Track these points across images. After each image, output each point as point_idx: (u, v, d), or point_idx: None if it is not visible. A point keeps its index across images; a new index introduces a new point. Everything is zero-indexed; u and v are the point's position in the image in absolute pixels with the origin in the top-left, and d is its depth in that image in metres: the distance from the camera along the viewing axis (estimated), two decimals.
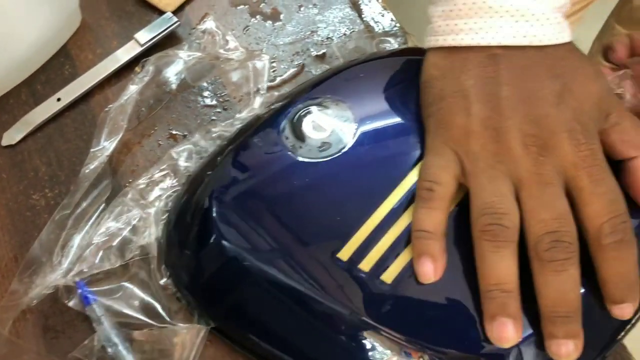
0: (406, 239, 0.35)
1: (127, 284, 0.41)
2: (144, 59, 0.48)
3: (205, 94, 0.49)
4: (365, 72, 0.43)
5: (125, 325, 0.39)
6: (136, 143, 0.47)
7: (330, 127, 0.39)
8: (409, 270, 0.35)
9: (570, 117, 0.34)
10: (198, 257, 0.39)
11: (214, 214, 0.38)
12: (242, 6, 0.54)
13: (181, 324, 0.39)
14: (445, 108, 0.36)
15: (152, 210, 0.42)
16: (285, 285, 0.35)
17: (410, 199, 0.36)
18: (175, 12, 0.53)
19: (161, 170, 0.44)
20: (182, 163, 0.45)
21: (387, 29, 0.52)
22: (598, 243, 0.32)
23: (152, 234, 0.41)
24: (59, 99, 0.48)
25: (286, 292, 0.36)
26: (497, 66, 0.35)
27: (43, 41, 0.49)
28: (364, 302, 0.35)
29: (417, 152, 0.38)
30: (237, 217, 0.38)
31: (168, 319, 0.40)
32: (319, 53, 0.51)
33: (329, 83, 0.43)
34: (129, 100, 0.46)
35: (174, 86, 0.49)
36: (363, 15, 0.53)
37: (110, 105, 0.46)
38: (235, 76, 0.49)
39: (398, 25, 0.53)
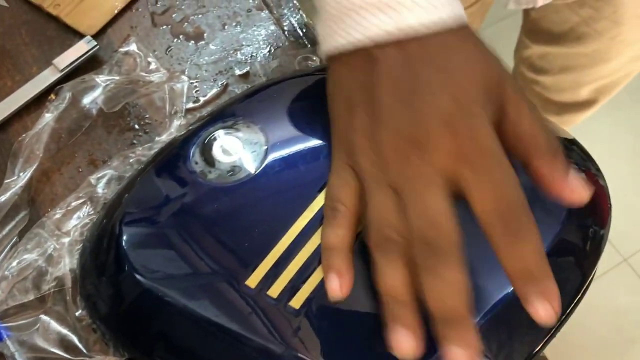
0: (314, 263, 0.35)
1: (43, 317, 0.40)
2: (59, 86, 0.47)
3: (127, 118, 0.49)
4: (279, 93, 0.43)
5: None
6: (56, 171, 0.46)
7: (240, 151, 0.39)
8: (318, 294, 0.34)
9: (448, 106, 0.31)
10: (109, 287, 0.39)
11: (124, 243, 0.37)
12: (164, 26, 0.53)
13: (98, 357, 0.39)
14: (337, 124, 0.36)
15: (66, 241, 0.41)
16: (196, 315, 0.35)
17: (318, 223, 0.36)
18: (97, 35, 0.52)
19: (78, 199, 0.44)
20: (100, 190, 0.44)
21: (311, 45, 0.52)
22: (491, 239, 0.30)
23: (66, 265, 0.41)
24: None
25: (198, 322, 0.35)
26: (374, 68, 0.33)
27: None
28: (274, 329, 0.34)
29: (326, 175, 0.37)
30: (147, 244, 0.38)
31: (85, 351, 0.39)
32: (242, 72, 0.51)
33: (242, 105, 0.42)
34: (44, 128, 0.46)
35: (93, 111, 0.48)
36: (286, 32, 0.53)
37: (24, 135, 0.45)
38: (155, 99, 0.49)
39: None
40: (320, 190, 0.37)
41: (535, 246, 0.29)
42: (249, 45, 0.52)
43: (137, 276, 0.36)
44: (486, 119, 0.31)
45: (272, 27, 0.53)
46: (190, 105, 0.49)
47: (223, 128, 0.40)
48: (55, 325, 0.40)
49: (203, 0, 0.54)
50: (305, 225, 0.36)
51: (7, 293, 0.40)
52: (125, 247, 0.37)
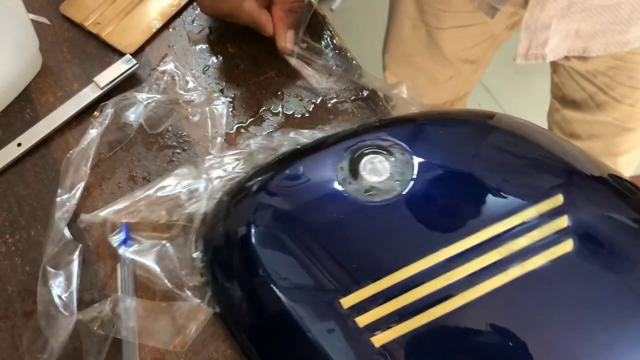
0: (416, 310, 0.34)
1: (165, 243, 0.43)
2: (103, 103, 0.48)
3: (166, 135, 0.50)
4: (445, 132, 0.42)
5: (145, 281, 0.42)
6: (97, 186, 0.48)
7: (385, 175, 0.38)
8: (403, 342, 0.34)
9: None
10: (227, 242, 0.40)
11: (253, 216, 0.39)
12: (201, 46, 0.55)
13: (194, 300, 0.41)
14: None
15: (210, 186, 0.44)
16: (284, 309, 0.36)
17: (434, 273, 0.35)
18: (135, 53, 0.54)
19: (236, 155, 0.46)
20: (256, 155, 0.46)
21: (344, 67, 0.54)
22: None
23: (202, 207, 0.44)
24: (19, 144, 0.49)
25: (283, 315, 0.36)
26: None
27: (4, 86, 0.50)
28: (345, 355, 0.35)
29: (456, 234, 0.36)
30: (271, 225, 0.39)
31: (185, 290, 0.42)
32: (277, 92, 0.52)
33: (403, 131, 0.41)
34: (89, 144, 0.47)
35: (133, 128, 0.49)
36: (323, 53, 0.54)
37: (72, 151, 0.46)
38: (194, 118, 0.50)
39: (355, 62, 0.54)
40: (443, 246, 0.35)
41: None
42: (283, 66, 0.54)
43: (253, 243, 0.38)
44: None
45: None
46: (233, 130, 0.50)
47: (378, 147, 0.39)
48: (171, 255, 0.43)
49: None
50: (417, 272, 0.35)
51: (146, 208, 0.43)
52: (253, 218, 0.39)
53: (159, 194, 0.44)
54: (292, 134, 0.46)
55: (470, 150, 0.40)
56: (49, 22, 0.55)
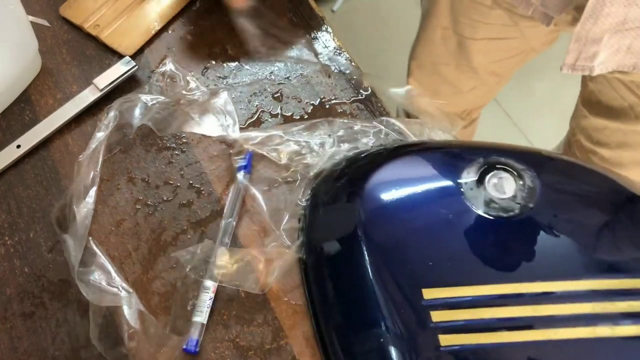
0: (491, 328, 0.34)
1: (279, 180, 0.47)
2: (108, 106, 0.48)
3: (165, 137, 0.50)
4: (579, 180, 0.42)
5: (249, 209, 0.47)
6: (96, 185, 0.48)
7: (510, 194, 0.38)
8: (468, 353, 0.34)
9: None
10: (333, 202, 0.42)
11: (366, 185, 0.40)
12: (201, 47, 0.55)
13: (285, 240, 0.44)
14: None
15: (332, 149, 0.47)
16: (366, 274, 0.37)
17: (520, 301, 0.35)
18: (135, 55, 0.54)
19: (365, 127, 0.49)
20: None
21: (342, 68, 0.54)
22: None
23: (319, 163, 0.46)
24: (18, 146, 0.49)
25: (363, 279, 0.37)
26: None
27: (3, 87, 0.50)
28: (408, 342, 0.35)
29: (559, 273, 0.36)
30: (382, 203, 0.39)
31: (282, 228, 0.45)
32: (275, 94, 0.52)
33: (539, 160, 0.42)
34: (98, 147, 0.47)
35: (134, 130, 0.50)
36: (319, 55, 0.55)
37: (82, 155, 0.47)
38: (200, 116, 0.50)
39: (354, 63, 0.54)
40: (548, 279, 0.35)
41: None
42: (282, 67, 0.54)
43: (358, 208, 0.39)
44: None
45: (305, 50, 0.55)
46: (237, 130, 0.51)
47: (511, 167, 0.40)
48: (279, 194, 0.47)
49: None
50: (512, 293, 0.35)
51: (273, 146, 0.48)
52: (364, 187, 0.40)
53: (290, 137, 0.48)
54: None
55: (597, 200, 0.40)
56: (48, 24, 0.55)
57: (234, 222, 0.45)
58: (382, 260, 0.37)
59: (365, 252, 0.37)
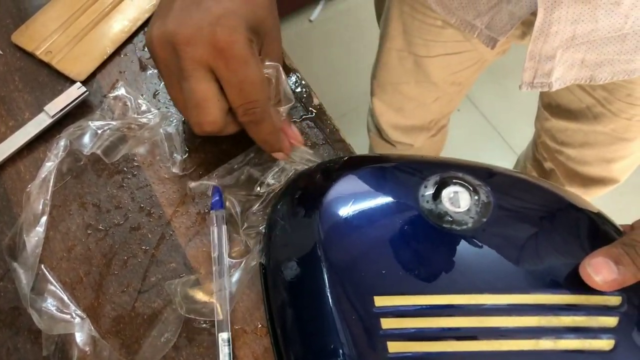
0: (438, 337, 0.35)
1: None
2: (57, 135, 0.49)
3: (116, 161, 0.51)
4: (530, 195, 0.42)
5: None
6: (47, 214, 0.48)
7: (464, 209, 0.40)
8: None
9: (218, 14, 0.39)
10: (292, 219, 0.43)
11: (322, 205, 0.41)
12: (151, 70, 0.55)
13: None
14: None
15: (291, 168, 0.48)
16: (321, 280, 0.38)
17: (467, 311, 0.36)
18: (87, 80, 0.55)
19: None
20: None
21: (293, 87, 0.54)
22: (240, 120, 0.42)
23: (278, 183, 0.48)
24: None
25: (318, 286, 0.38)
26: None
27: None
28: (357, 348, 0.35)
29: (508, 286, 0.37)
30: (339, 217, 0.40)
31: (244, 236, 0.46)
32: None
33: (494, 178, 0.43)
34: (47, 177, 0.48)
35: (85, 156, 0.50)
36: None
37: (30, 185, 0.47)
38: (149, 141, 0.51)
39: (304, 81, 0.55)
40: (496, 292, 0.36)
41: (269, 126, 0.43)
42: None
43: (316, 217, 0.40)
44: (244, 34, 0.39)
45: None
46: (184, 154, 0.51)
47: (467, 182, 0.41)
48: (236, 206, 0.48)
49: None
50: (460, 304, 0.36)
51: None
52: (322, 197, 0.41)
53: (252, 169, 0.49)
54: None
55: (549, 218, 0.41)
56: (0, 52, 0.56)
57: (226, 267, 0.45)
58: (337, 269, 0.38)
59: (323, 264, 0.38)
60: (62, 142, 0.49)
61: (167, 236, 0.47)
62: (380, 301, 0.36)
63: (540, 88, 0.61)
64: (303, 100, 0.54)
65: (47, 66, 0.55)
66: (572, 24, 0.53)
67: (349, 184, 0.42)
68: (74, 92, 0.52)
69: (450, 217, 0.39)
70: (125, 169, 0.50)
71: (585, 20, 0.53)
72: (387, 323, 0.35)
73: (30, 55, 0.56)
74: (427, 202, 0.40)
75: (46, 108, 0.51)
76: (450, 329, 0.35)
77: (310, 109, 0.54)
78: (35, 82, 0.55)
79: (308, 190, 0.44)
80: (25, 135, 0.51)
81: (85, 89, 0.52)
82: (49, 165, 0.49)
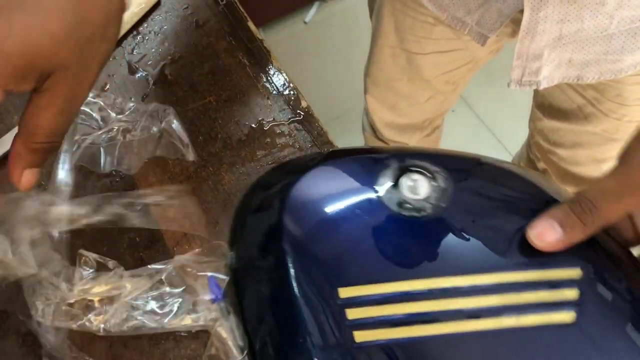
0: (402, 323, 0.35)
1: None
2: None
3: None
4: (488, 178, 0.43)
5: None
6: None
7: (423, 196, 0.40)
8: (380, 347, 0.35)
9: None
10: (257, 214, 0.43)
11: (287, 200, 0.40)
12: (141, 73, 0.56)
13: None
14: None
15: None
16: (287, 277, 0.37)
17: (430, 296, 0.36)
18: None
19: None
20: None
21: (281, 90, 0.55)
22: None
23: None
24: None
25: (284, 284, 0.38)
26: None
27: None
28: (323, 338, 0.36)
29: (468, 268, 0.37)
30: (304, 212, 0.40)
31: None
32: (214, 117, 0.53)
33: (452, 163, 0.43)
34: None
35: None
36: (258, 77, 0.55)
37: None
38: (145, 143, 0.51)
39: (292, 84, 0.55)
40: (457, 274, 0.37)
41: None
42: (221, 91, 0.55)
43: (280, 215, 0.40)
44: None
45: (244, 73, 0.56)
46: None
47: (425, 169, 0.41)
48: None
49: (174, 48, 0.57)
50: (422, 289, 0.36)
51: None
52: (284, 196, 0.40)
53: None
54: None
55: (505, 198, 0.41)
56: None
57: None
58: (303, 263, 0.38)
59: (288, 258, 0.38)
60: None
61: (156, 240, 0.47)
62: (344, 292, 0.36)
63: (529, 86, 0.62)
64: (291, 103, 0.54)
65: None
66: (558, 23, 0.53)
67: (314, 177, 0.42)
68: None
69: (410, 204, 0.39)
70: (113, 171, 0.51)
71: (572, 20, 0.53)
72: (352, 313, 0.36)
73: None
74: (387, 191, 0.40)
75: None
76: (414, 314, 0.36)
77: (298, 111, 0.54)
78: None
79: (273, 187, 0.44)
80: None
81: None
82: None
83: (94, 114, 0.51)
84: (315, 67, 1.71)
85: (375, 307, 0.36)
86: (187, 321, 0.44)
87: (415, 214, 0.39)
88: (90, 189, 0.50)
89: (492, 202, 0.41)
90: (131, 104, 0.52)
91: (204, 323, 0.44)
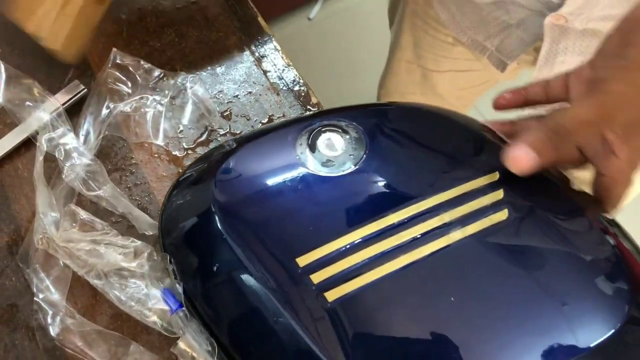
0: (366, 269, 0.37)
1: None
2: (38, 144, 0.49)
3: (115, 159, 0.51)
4: (393, 117, 0.46)
5: None
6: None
7: (341, 150, 0.42)
8: (353, 298, 0.36)
9: None
10: (186, 210, 0.43)
11: (215, 187, 0.41)
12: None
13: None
14: None
15: None
16: (245, 274, 0.38)
17: (381, 237, 0.38)
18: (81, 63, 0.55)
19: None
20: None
21: (291, 85, 0.55)
22: None
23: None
24: None
25: (240, 276, 0.38)
26: None
27: None
28: (299, 311, 0.36)
29: (404, 202, 0.40)
30: (231, 193, 0.41)
31: None
32: (224, 112, 0.53)
33: (358, 113, 0.46)
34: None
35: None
36: (268, 73, 0.55)
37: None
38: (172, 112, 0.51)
39: (302, 80, 0.55)
40: (393, 210, 0.39)
41: None
42: (231, 86, 0.54)
43: (213, 211, 0.40)
44: None
45: (253, 67, 0.56)
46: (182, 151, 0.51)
47: (335, 126, 0.44)
48: None
49: (186, 39, 0.57)
50: (369, 234, 0.38)
51: None
52: (214, 191, 0.41)
53: None
54: None
55: (416, 132, 0.45)
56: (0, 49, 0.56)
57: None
58: (251, 248, 0.39)
59: (235, 249, 0.39)
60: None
61: None
62: (302, 261, 0.37)
63: None
64: (301, 99, 0.54)
65: (45, 64, 0.55)
66: (579, 55, 0.53)
67: (236, 162, 0.43)
68: (72, 90, 0.52)
69: (332, 161, 0.42)
70: (123, 166, 0.51)
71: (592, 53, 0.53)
72: (316, 277, 0.37)
73: (27, 52, 0.56)
74: (307, 157, 0.42)
75: (44, 105, 0.51)
76: (372, 257, 0.37)
77: (308, 107, 0.54)
78: (33, 78, 0.55)
79: (198, 176, 0.45)
80: (23, 133, 0.51)
81: (83, 87, 0.52)
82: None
83: (113, 86, 0.51)
84: (319, 64, 1.71)
85: (334, 264, 0.37)
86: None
87: (340, 169, 0.41)
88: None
89: (408, 139, 0.44)
90: (157, 72, 0.52)
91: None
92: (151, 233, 0.47)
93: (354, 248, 0.38)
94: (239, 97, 0.54)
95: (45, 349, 0.43)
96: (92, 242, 0.45)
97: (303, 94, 0.54)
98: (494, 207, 0.39)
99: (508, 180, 0.40)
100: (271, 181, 0.41)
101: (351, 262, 0.37)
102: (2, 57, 0.56)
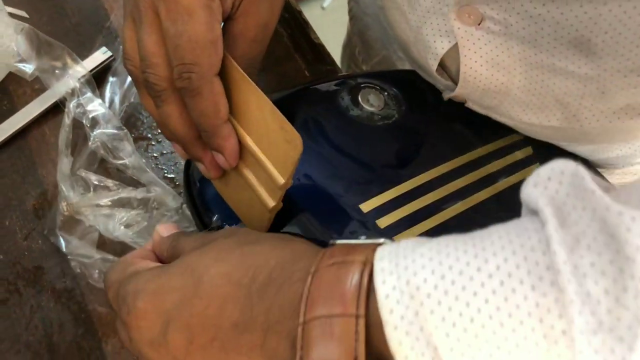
0: (426, 214, 0.39)
1: None
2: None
3: (140, 128, 0.51)
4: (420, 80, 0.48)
5: None
6: None
7: (382, 105, 0.44)
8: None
9: None
10: None
11: None
12: None
13: None
14: None
15: None
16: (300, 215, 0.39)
17: (437, 184, 0.40)
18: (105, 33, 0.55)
19: None
20: None
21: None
22: (177, 87, 0.33)
23: None
24: None
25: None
26: None
27: None
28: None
29: (450, 153, 0.42)
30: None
31: None
32: None
33: (390, 75, 0.48)
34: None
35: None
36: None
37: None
38: None
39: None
40: (444, 161, 0.42)
41: (205, 103, 0.33)
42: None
43: None
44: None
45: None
46: None
47: (371, 84, 0.45)
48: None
49: None
50: (426, 182, 0.40)
51: None
52: None
53: None
54: None
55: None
56: (27, 15, 0.56)
57: None
58: (315, 197, 0.39)
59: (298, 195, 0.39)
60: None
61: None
62: (366, 207, 0.38)
63: None
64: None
65: (73, 31, 0.55)
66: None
67: (297, 109, 0.43)
68: (99, 57, 0.52)
69: (378, 114, 0.43)
70: (149, 135, 0.51)
71: None
72: (382, 222, 0.38)
73: (56, 20, 0.56)
74: (353, 110, 0.43)
75: (71, 71, 0.51)
76: (435, 202, 0.39)
77: None
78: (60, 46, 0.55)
79: None
80: (51, 98, 0.51)
81: (111, 54, 0.52)
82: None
83: None
84: (333, 52, 1.70)
85: (399, 209, 0.39)
86: None
87: (387, 121, 0.43)
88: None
89: (439, 98, 0.46)
90: None
91: None
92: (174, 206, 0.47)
93: (416, 194, 0.39)
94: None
95: (70, 310, 0.43)
96: (110, 204, 0.46)
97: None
98: (528, 161, 0.44)
99: (532, 140, 0.45)
100: (331, 135, 0.42)
101: (416, 207, 0.38)
102: (32, 21, 0.56)
